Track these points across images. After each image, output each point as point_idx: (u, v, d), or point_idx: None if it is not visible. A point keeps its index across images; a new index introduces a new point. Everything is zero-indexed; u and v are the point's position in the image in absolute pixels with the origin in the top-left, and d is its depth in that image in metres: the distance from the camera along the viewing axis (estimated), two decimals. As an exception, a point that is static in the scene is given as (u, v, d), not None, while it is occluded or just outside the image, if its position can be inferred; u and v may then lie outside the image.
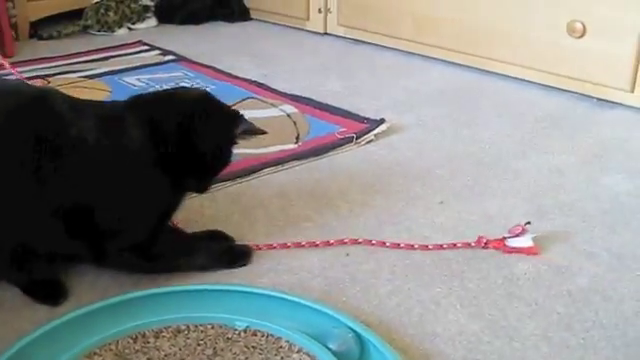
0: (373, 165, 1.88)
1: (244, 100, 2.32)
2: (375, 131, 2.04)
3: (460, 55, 2.67)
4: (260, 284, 1.35)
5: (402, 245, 1.47)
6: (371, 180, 1.79)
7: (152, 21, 3.43)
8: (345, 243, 1.48)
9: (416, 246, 1.47)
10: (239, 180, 1.77)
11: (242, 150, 1.91)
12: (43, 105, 1.27)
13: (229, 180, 1.75)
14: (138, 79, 2.58)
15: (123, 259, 1.34)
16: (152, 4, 3.43)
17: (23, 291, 1.32)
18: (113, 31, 3.27)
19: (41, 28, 3.23)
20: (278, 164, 1.86)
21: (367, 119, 2.12)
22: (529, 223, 1.49)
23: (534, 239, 1.47)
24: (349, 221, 1.59)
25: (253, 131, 1.39)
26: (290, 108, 2.25)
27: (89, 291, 1.33)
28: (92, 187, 1.26)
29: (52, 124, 1.25)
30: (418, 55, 2.80)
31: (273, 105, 2.27)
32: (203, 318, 1.22)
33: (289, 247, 1.47)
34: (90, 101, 1.37)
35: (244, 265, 1.41)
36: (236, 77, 2.57)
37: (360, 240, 1.49)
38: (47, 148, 1.22)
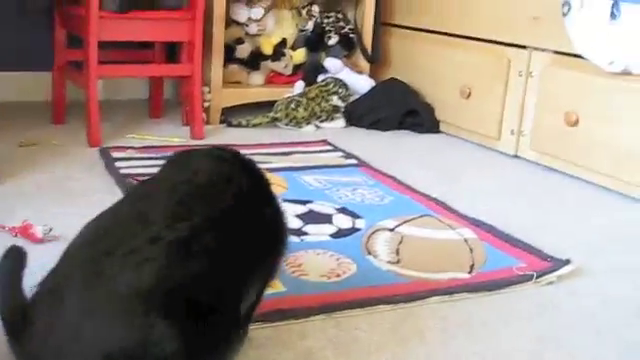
0: (550, 312, 1.67)
1: (421, 217, 2.20)
2: (558, 272, 1.84)
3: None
4: None
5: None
6: (547, 330, 1.59)
7: (340, 122, 3.41)
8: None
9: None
10: (402, 305, 1.64)
11: (410, 272, 1.81)
12: None
13: (390, 304, 1.63)
14: (316, 179, 2.53)
15: None
16: (342, 105, 3.41)
17: None
18: (300, 127, 3.28)
19: (231, 115, 3.29)
20: (447, 294, 1.70)
21: (551, 257, 1.93)
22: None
23: None
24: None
25: None
26: (469, 233, 2.09)
27: None
28: None
29: None
30: (616, 192, 2.57)
31: (450, 227, 2.13)
32: None
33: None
34: None
35: None
36: (416, 191, 2.46)
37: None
38: None
